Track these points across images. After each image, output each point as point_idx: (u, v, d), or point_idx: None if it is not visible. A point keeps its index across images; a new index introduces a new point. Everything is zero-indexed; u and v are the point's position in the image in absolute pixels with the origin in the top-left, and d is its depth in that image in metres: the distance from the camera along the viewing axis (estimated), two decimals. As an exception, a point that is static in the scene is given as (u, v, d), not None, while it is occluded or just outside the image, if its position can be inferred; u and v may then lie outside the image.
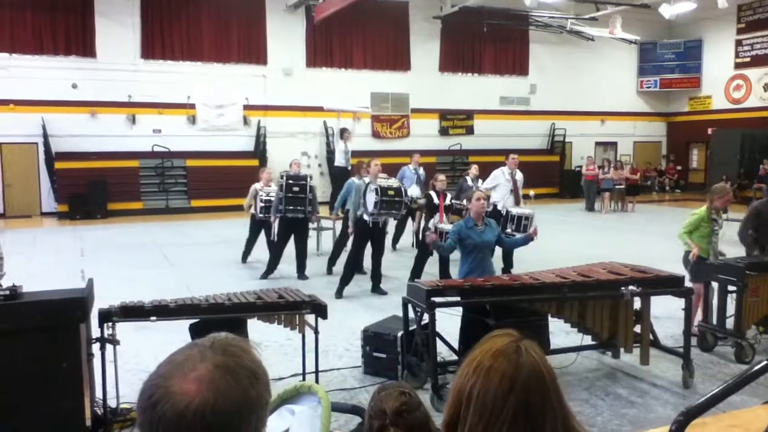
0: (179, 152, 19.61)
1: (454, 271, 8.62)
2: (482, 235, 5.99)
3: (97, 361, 4.36)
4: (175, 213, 18.69)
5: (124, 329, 4.68)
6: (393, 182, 8.87)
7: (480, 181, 10.64)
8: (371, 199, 8.42)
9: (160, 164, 19.37)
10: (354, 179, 9.63)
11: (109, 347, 4.39)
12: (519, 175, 10.17)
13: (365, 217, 8.55)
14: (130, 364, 5.36)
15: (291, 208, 9.34)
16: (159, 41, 19.72)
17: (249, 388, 1.00)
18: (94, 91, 18.81)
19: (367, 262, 9.24)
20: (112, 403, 4.46)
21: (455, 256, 6.83)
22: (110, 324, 4.40)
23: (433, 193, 9.36)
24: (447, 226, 8.92)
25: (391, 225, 11.72)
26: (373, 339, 5.71)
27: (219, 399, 0.96)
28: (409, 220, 11.80)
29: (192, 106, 20.14)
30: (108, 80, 18.78)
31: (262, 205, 9.88)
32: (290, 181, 9.35)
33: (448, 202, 9.50)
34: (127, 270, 10.25)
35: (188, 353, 1.02)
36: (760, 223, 6.91)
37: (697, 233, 6.67)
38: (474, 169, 11.10)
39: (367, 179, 8.74)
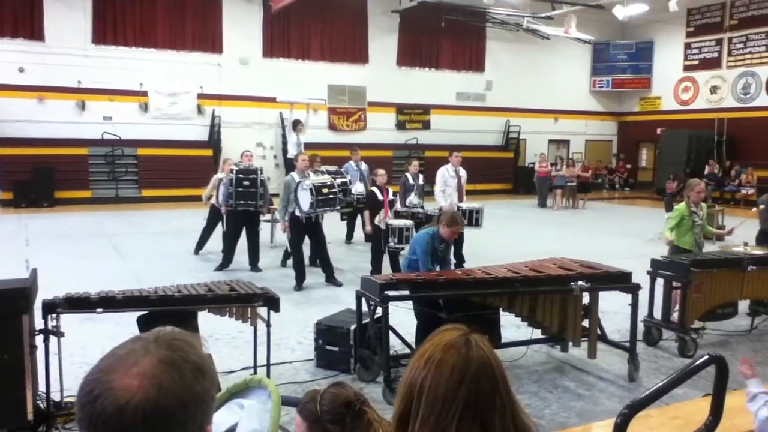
0: (130, 140, 19.17)
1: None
2: (443, 252, 6.28)
3: (40, 354, 4.24)
4: (125, 202, 18.29)
5: (69, 321, 4.56)
6: (325, 178, 8.77)
7: (421, 177, 10.50)
8: (305, 198, 8.32)
9: (110, 152, 18.90)
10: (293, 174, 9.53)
11: (53, 339, 4.28)
12: (462, 172, 10.18)
13: (297, 213, 8.47)
14: (76, 356, 5.23)
15: (242, 202, 9.25)
16: (111, 26, 19.20)
17: (194, 383, 0.98)
18: (42, 76, 18.23)
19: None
20: (56, 396, 4.35)
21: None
22: (54, 315, 4.29)
23: (375, 189, 9.29)
24: (395, 222, 8.89)
25: (337, 220, 11.67)
26: (326, 332, 5.70)
27: (162, 394, 0.93)
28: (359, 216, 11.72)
29: (144, 94, 19.70)
30: (57, 65, 18.21)
31: (227, 200, 9.71)
32: (240, 176, 9.25)
33: (391, 196, 9.47)
34: (73, 260, 9.99)
35: (131, 347, 0.99)
36: None
37: (682, 227, 6.97)
38: (414, 166, 10.86)
39: (295, 176, 8.59)
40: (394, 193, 9.70)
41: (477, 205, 9.95)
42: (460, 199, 10.04)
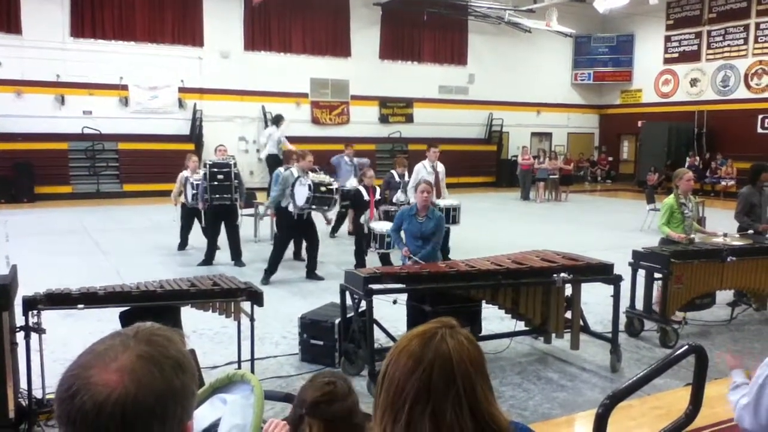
0: (111, 135, 18.97)
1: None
2: (421, 225, 6.13)
3: (21, 351, 4.20)
4: (106, 198, 18.12)
5: (50, 317, 4.52)
6: (325, 178, 8.78)
7: (407, 174, 10.46)
8: (302, 193, 8.31)
9: (90, 147, 18.71)
10: (281, 169, 9.49)
11: (34, 336, 4.24)
12: (440, 167, 10.00)
13: (290, 209, 8.46)
14: (58, 353, 5.18)
15: (217, 196, 9.24)
16: (89, 19, 18.95)
17: (173, 378, 0.97)
18: (19, 70, 17.98)
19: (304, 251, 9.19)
20: (37, 393, 4.31)
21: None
22: (35, 312, 4.24)
23: (362, 188, 9.29)
24: (378, 227, 8.82)
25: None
26: (311, 326, 5.70)
27: (141, 390, 0.93)
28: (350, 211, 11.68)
29: (124, 88, 19.50)
30: (35, 58, 17.98)
31: (194, 192, 9.71)
32: (214, 169, 9.23)
33: (377, 197, 9.45)
34: (54, 256, 9.89)
35: (110, 343, 0.98)
36: (750, 206, 7.67)
37: (674, 220, 6.95)
38: (401, 165, 10.66)
39: (295, 171, 8.60)
40: (382, 193, 9.68)
41: (454, 202, 9.72)
42: (438, 195, 9.90)
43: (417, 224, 6.15)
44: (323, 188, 8.37)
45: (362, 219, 9.03)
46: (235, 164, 9.57)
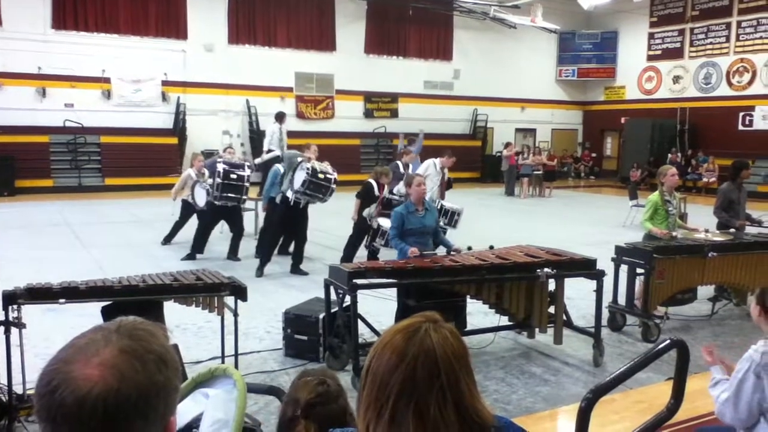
0: (93, 128, 18.78)
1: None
2: (422, 219, 6.04)
3: (1, 346, 4.15)
4: (88, 191, 17.92)
5: (31, 312, 4.47)
6: (324, 166, 8.77)
7: (411, 167, 10.46)
8: (300, 176, 8.35)
9: (72, 140, 18.51)
10: (279, 166, 9.48)
11: (14, 331, 4.19)
12: (446, 171, 10.33)
13: (289, 194, 8.47)
14: (39, 348, 5.13)
15: (225, 195, 9.16)
16: (71, 11, 18.74)
17: (156, 373, 0.96)
18: (0, 62, 17.75)
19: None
20: (18, 389, 4.27)
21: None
22: (16, 306, 4.19)
23: (373, 183, 9.28)
24: (386, 221, 8.77)
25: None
26: (295, 321, 5.69)
27: (123, 385, 0.92)
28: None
29: (107, 81, 19.31)
30: (15, 50, 17.74)
31: (208, 199, 9.57)
32: (226, 167, 9.18)
33: (386, 193, 9.43)
34: (35, 251, 9.79)
35: (92, 337, 0.97)
36: (729, 203, 7.73)
37: (657, 217, 6.98)
38: (408, 156, 10.70)
39: (299, 158, 8.63)
40: (390, 192, 9.66)
41: (458, 207, 9.64)
42: (442, 196, 10.03)
43: (419, 219, 6.05)
44: (321, 175, 8.39)
45: (366, 213, 9.00)
46: (249, 166, 9.56)
